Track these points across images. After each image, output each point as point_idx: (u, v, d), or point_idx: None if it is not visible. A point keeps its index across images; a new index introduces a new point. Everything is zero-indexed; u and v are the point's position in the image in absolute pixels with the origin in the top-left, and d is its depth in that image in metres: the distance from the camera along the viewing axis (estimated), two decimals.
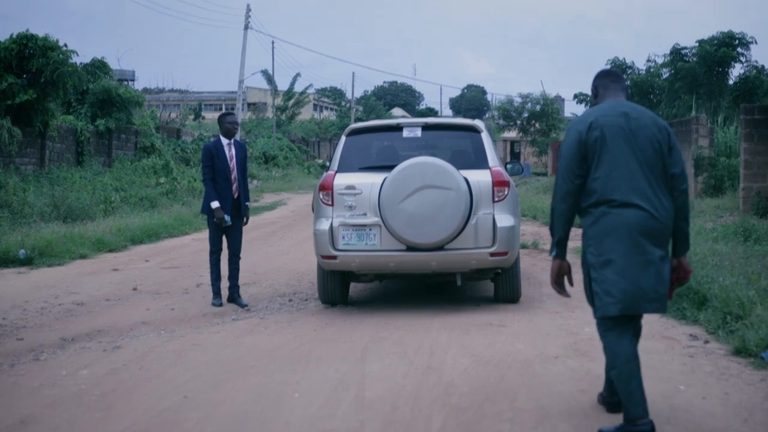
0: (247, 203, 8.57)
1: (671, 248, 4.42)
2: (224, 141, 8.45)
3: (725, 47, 30.01)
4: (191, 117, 45.43)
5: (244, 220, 8.63)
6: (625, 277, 4.18)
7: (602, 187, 4.26)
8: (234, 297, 8.53)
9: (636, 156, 4.26)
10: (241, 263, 10.95)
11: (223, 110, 75.83)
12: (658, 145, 4.30)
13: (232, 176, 8.36)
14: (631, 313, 4.24)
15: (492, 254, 7.56)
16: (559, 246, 4.43)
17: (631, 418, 4.14)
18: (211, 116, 63.79)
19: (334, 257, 7.73)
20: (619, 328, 4.27)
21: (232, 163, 8.39)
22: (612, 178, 4.25)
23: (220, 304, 8.35)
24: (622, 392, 4.19)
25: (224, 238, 8.56)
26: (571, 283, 4.53)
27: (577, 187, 4.33)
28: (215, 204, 8.23)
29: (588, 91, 37.68)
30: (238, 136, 40.26)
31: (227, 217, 8.27)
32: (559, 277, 4.48)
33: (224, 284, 8.56)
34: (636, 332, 4.45)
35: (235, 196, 8.40)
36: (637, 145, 4.28)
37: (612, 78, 4.61)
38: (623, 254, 4.19)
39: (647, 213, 4.20)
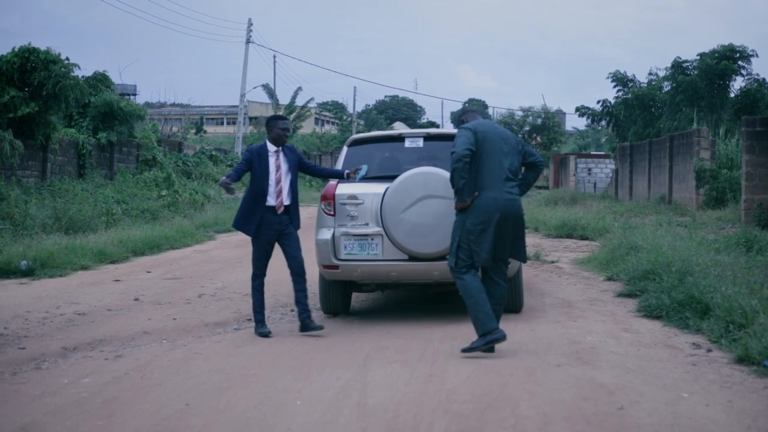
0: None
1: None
2: (271, 148, 7.43)
3: (726, 60, 30.02)
4: (193, 131, 45.46)
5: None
6: (490, 241, 6.27)
7: (477, 176, 6.32)
8: (306, 324, 7.39)
9: (500, 157, 6.39)
10: (242, 275, 10.96)
11: (225, 124, 74.59)
12: (516, 151, 6.53)
13: (277, 188, 7.34)
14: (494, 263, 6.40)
15: None
16: (460, 193, 6.32)
17: (487, 332, 6.13)
18: (212, 130, 64.04)
19: (336, 267, 7.73)
20: (473, 270, 6.37)
21: (278, 174, 7.36)
22: (483, 172, 6.33)
23: (269, 333, 7.37)
24: (474, 315, 6.20)
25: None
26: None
27: (469, 152, 6.26)
28: (223, 179, 7.12)
29: (589, 104, 38.15)
30: (240, 147, 40.37)
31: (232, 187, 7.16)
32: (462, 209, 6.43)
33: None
34: (501, 276, 6.49)
35: (279, 211, 7.36)
36: (502, 150, 6.42)
37: (476, 113, 6.90)
38: (487, 224, 6.26)
39: (500, 196, 6.29)
